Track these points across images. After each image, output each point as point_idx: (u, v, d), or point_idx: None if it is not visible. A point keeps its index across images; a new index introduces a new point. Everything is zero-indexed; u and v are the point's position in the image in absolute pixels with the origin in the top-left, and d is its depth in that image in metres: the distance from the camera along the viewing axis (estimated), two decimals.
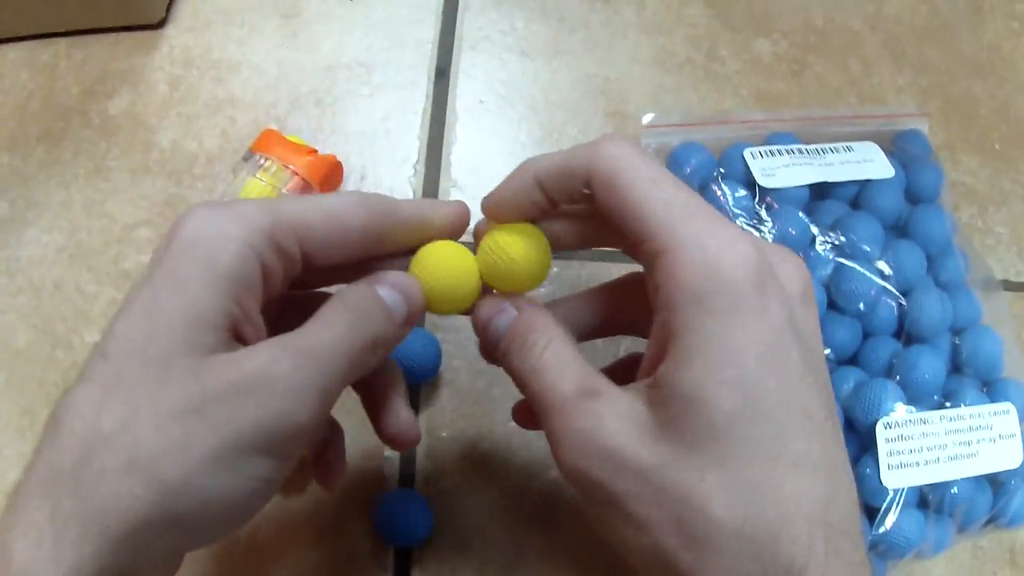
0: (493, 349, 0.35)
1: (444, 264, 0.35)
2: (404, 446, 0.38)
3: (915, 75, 0.61)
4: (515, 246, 0.34)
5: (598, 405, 0.30)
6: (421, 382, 0.50)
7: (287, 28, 0.60)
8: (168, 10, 0.60)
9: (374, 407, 0.37)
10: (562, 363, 0.32)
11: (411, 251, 0.35)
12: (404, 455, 0.49)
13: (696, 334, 0.28)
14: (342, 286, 0.34)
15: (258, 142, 0.52)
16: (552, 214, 0.35)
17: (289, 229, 0.31)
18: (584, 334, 0.37)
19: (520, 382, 0.33)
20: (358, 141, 0.56)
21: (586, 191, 0.32)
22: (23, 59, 0.59)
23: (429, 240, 0.35)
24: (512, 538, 0.48)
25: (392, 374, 0.38)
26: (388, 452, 0.49)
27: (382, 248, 0.35)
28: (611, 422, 0.29)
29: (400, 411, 0.37)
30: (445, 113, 0.58)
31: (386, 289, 0.33)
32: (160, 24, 0.60)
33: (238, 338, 0.30)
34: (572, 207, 0.35)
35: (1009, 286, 0.56)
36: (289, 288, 0.34)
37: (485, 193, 0.51)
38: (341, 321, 0.31)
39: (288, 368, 0.29)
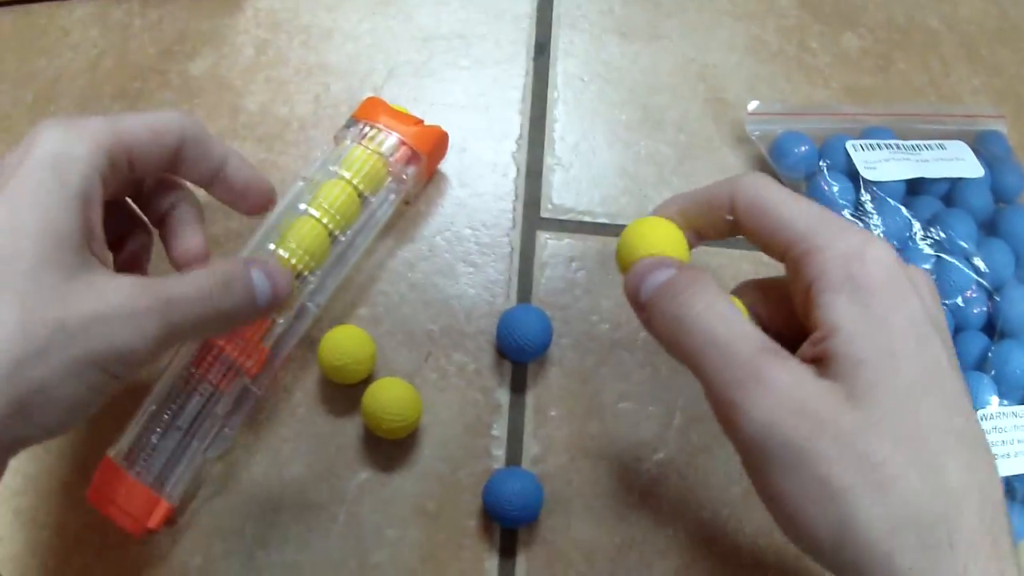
0: (641, 306, 0.36)
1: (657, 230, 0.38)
2: (189, 265, 0.42)
3: (989, 76, 0.62)
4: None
5: (790, 361, 0.31)
6: (530, 360, 0.50)
7: None
8: None
9: (168, 234, 0.42)
10: (737, 319, 0.33)
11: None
12: (512, 434, 0.48)
13: (861, 314, 0.31)
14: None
15: (361, 109, 0.50)
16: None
17: (124, 146, 0.36)
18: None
19: (678, 330, 0.33)
20: (457, 114, 0.56)
21: (728, 217, 0.36)
22: (92, 16, 0.57)
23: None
24: (619, 520, 0.47)
25: (192, 207, 0.43)
26: (496, 430, 0.48)
27: (185, 172, 0.40)
28: (810, 383, 0.31)
29: (192, 238, 0.42)
30: (546, 90, 0.57)
31: (259, 274, 0.38)
32: None
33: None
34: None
35: None
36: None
37: (588, 173, 0.55)
38: (205, 286, 0.36)
39: (144, 308, 0.33)
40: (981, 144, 0.56)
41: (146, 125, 0.37)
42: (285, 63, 0.56)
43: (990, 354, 0.48)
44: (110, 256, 0.38)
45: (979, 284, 0.50)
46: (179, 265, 0.42)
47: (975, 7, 0.64)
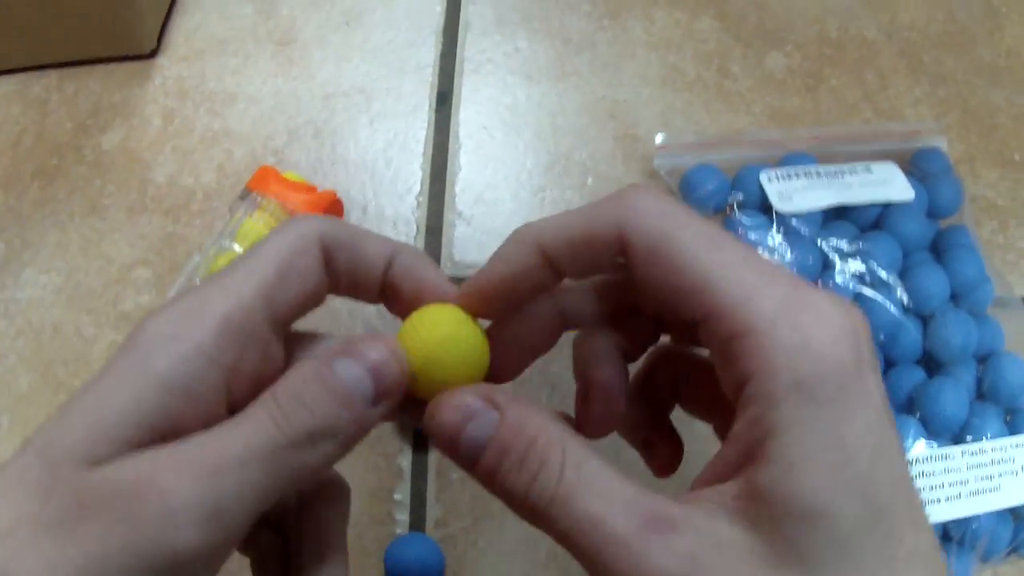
0: (468, 468, 0.26)
1: (441, 332, 0.27)
2: None
3: (932, 86, 0.59)
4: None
5: (682, 538, 0.23)
6: None
7: (282, 56, 0.58)
8: (160, 39, 0.59)
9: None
10: (602, 485, 0.24)
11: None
12: (415, 498, 0.47)
13: (806, 432, 0.23)
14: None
15: (254, 180, 0.50)
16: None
17: (253, 313, 0.26)
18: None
19: (537, 516, 0.25)
20: (359, 172, 0.55)
21: (620, 260, 0.26)
22: (15, 92, 0.58)
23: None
24: None
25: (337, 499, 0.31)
26: (398, 495, 0.47)
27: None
28: (710, 559, 0.23)
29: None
30: (448, 141, 0.56)
31: (347, 363, 0.25)
32: (152, 54, 0.58)
33: None
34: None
35: None
36: None
37: (491, 225, 0.50)
38: (261, 418, 0.25)
39: (168, 484, 0.23)
40: (917, 164, 0.54)
41: (283, 281, 0.27)
42: (191, 131, 0.56)
43: (916, 392, 0.46)
44: None
45: (905, 318, 0.47)
46: None
47: (918, 12, 0.61)
